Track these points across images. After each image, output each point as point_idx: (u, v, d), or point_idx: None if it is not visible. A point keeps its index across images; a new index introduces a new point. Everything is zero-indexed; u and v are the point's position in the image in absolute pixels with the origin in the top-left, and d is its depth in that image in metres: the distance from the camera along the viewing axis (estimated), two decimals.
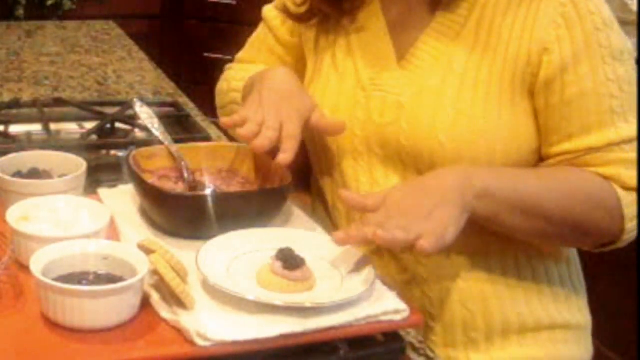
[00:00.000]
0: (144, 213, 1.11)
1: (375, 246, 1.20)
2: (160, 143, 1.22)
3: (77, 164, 1.16)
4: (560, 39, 1.10)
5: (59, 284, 0.86)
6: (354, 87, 1.21)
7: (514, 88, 1.12)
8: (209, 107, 1.62)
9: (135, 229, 1.08)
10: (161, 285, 0.91)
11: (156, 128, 1.26)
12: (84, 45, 2.44)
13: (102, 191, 1.18)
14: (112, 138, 1.51)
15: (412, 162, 1.16)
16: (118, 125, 1.54)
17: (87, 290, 0.87)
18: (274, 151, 1.25)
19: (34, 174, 1.15)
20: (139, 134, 1.52)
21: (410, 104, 1.16)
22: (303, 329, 0.87)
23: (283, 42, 1.37)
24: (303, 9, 1.29)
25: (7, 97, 1.82)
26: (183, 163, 1.18)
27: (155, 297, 0.91)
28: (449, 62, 1.15)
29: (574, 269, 1.25)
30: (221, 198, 1.11)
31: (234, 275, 0.96)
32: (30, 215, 1.02)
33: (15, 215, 1.00)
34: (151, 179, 1.14)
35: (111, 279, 0.91)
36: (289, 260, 0.95)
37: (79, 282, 0.89)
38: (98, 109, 1.62)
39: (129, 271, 0.90)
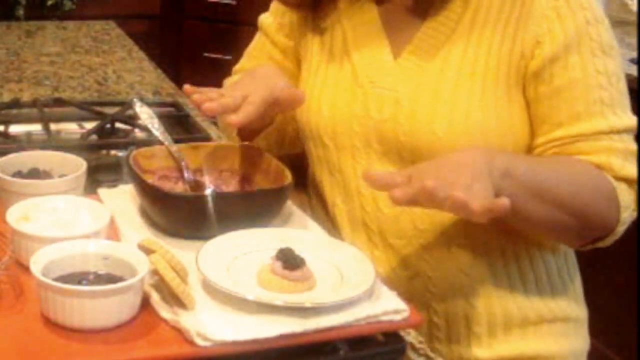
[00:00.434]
0: (144, 213, 1.11)
1: (379, 243, 1.21)
2: (160, 143, 1.22)
3: (77, 164, 1.16)
4: (551, 31, 1.12)
5: (59, 284, 0.86)
6: (351, 85, 1.22)
7: (509, 82, 1.14)
8: None
9: (135, 229, 1.08)
10: (161, 285, 0.91)
11: (156, 128, 1.26)
12: (84, 45, 2.45)
13: (102, 191, 1.18)
14: (112, 138, 1.51)
15: (410, 157, 1.16)
16: (118, 125, 1.54)
17: (87, 290, 0.87)
18: (274, 151, 1.26)
19: (34, 174, 1.15)
20: (139, 134, 1.52)
21: (407, 100, 1.17)
22: (303, 329, 0.87)
23: (281, 47, 1.37)
24: None
25: (7, 97, 1.82)
26: (183, 163, 1.18)
27: (155, 297, 0.91)
28: (444, 57, 1.16)
29: (570, 261, 1.27)
30: (221, 198, 1.11)
31: (234, 275, 0.96)
32: (30, 215, 1.02)
33: (15, 215, 1.00)
34: (151, 179, 1.14)
35: (111, 279, 0.90)
36: (289, 260, 0.94)
37: (79, 282, 0.89)
38: (98, 109, 1.62)
39: (129, 271, 0.90)
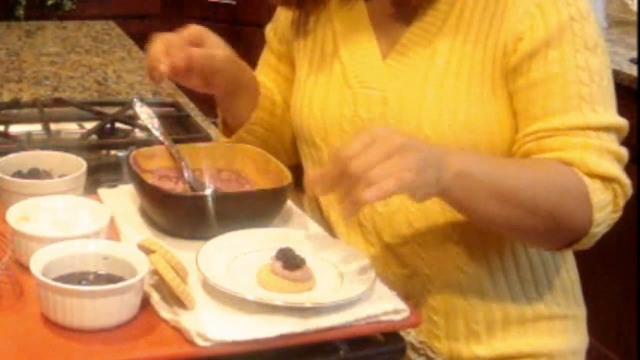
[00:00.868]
0: (144, 213, 1.11)
1: (375, 242, 1.21)
2: (160, 143, 1.22)
3: (77, 164, 1.16)
4: (533, 28, 1.11)
5: (59, 284, 0.86)
6: (341, 85, 1.23)
7: (494, 79, 1.14)
8: (209, 107, 1.62)
9: (135, 229, 1.08)
10: (161, 285, 0.91)
11: (156, 128, 1.26)
12: (84, 45, 2.45)
13: (102, 191, 1.18)
14: (112, 138, 1.51)
15: None
16: (118, 125, 1.54)
17: (87, 290, 0.87)
18: (273, 151, 1.26)
19: (34, 174, 1.15)
20: (139, 134, 1.52)
21: (394, 99, 1.17)
22: (303, 329, 0.87)
23: (276, 52, 1.39)
24: None
25: (7, 97, 1.82)
26: (183, 163, 1.18)
27: (155, 297, 0.91)
28: (431, 57, 1.16)
29: (569, 260, 1.27)
30: (221, 198, 1.11)
31: (234, 275, 0.96)
32: (30, 215, 1.02)
33: (15, 215, 1.00)
34: (151, 179, 1.14)
35: (111, 279, 0.90)
36: (289, 260, 0.95)
37: (79, 282, 0.89)
38: (98, 109, 1.62)
39: (129, 271, 0.90)
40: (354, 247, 1.06)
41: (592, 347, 1.31)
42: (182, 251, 0.99)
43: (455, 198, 1.02)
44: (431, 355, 0.99)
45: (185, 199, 1.09)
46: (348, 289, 0.94)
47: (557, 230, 1.09)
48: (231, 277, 0.95)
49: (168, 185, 1.16)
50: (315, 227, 1.13)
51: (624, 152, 1.12)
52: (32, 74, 2.07)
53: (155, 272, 0.91)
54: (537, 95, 1.11)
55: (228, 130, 1.35)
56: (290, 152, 1.39)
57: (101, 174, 1.34)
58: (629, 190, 1.11)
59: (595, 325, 1.35)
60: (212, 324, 0.86)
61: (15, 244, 0.98)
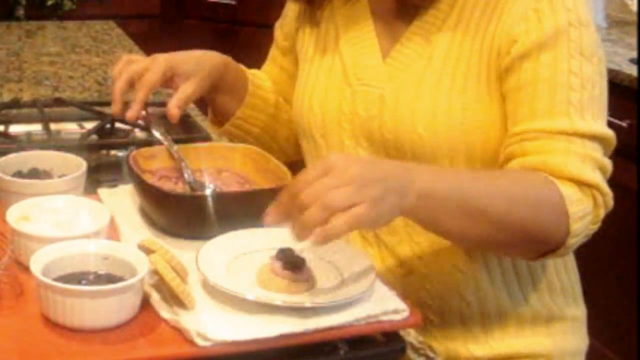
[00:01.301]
0: (144, 213, 1.11)
1: (372, 241, 1.21)
2: (160, 143, 1.22)
3: (77, 164, 1.16)
4: (528, 31, 1.10)
5: (59, 284, 0.86)
6: (340, 82, 1.24)
7: (490, 82, 1.13)
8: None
9: (135, 229, 1.08)
10: (161, 285, 0.91)
11: (156, 128, 1.26)
12: (84, 45, 2.45)
13: (102, 191, 1.18)
14: (112, 138, 1.51)
15: (396, 155, 1.17)
16: (118, 125, 1.54)
17: (87, 290, 0.87)
18: (267, 148, 1.26)
19: (34, 174, 1.15)
20: (139, 134, 1.52)
21: (391, 98, 1.18)
22: (303, 329, 0.87)
23: (281, 49, 1.40)
24: None
25: (7, 97, 1.82)
26: (183, 163, 1.18)
27: (155, 297, 0.91)
28: (429, 57, 1.16)
29: (569, 261, 1.27)
30: (221, 198, 1.11)
31: (234, 275, 0.96)
32: (30, 215, 1.02)
33: (15, 215, 1.00)
34: (151, 179, 1.14)
35: (111, 279, 0.90)
36: (289, 260, 0.95)
37: (79, 282, 0.89)
38: (98, 109, 1.62)
39: (129, 271, 0.90)
40: (354, 247, 1.06)
41: (592, 347, 1.31)
42: (182, 251, 0.99)
43: (421, 219, 1.00)
44: (431, 355, 0.99)
45: (185, 199, 1.09)
46: (348, 289, 0.94)
47: (531, 242, 1.07)
48: (231, 277, 0.95)
49: (168, 185, 1.16)
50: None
51: (607, 163, 1.10)
52: (32, 74, 2.07)
53: (155, 272, 0.91)
54: (525, 96, 1.10)
55: (217, 122, 1.38)
56: (287, 149, 1.40)
57: (101, 174, 1.34)
58: (610, 202, 1.09)
59: (595, 325, 1.35)
60: (212, 324, 0.86)
61: (15, 244, 0.98)
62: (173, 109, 1.19)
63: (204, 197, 1.08)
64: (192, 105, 1.81)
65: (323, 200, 0.86)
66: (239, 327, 0.86)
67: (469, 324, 1.20)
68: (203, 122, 1.65)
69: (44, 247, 0.92)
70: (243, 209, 1.07)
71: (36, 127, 1.52)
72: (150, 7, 3.90)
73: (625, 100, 2.43)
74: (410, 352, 0.98)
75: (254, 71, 1.40)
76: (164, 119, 1.33)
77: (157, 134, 1.24)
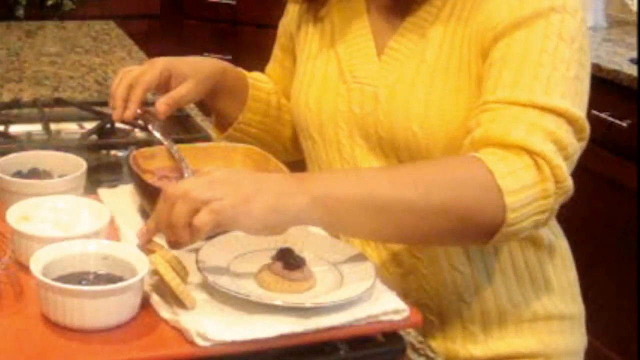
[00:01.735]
0: (144, 213, 1.11)
1: (370, 241, 1.21)
2: (160, 143, 1.22)
3: (77, 164, 1.16)
4: (509, 13, 1.07)
5: (59, 284, 0.86)
6: (336, 79, 1.24)
7: (480, 75, 1.11)
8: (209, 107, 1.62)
9: (135, 229, 1.07)
10: (161, 285, 0.91)
11: (156, 128, 1.26)
12: (84, 45, 2.45)
13: (102, 191, 1.18)
14: (112, 138, 1.51)
15: (392, 152, 1.17)
16: (118, 125, 1.54)
17: (87, 290, 0.87)
18: (271, 149, 1.26)
19: (34, 174, 1.15)
20: (139, 134, 1.52)
21: (385, 96, 1.17)
22: (303, 329, 0.87)
23: (282, 47, 1.41)
24: None
25: (7, 97, 1.82)
26: (183, 163, 1.18)
27: (155, 297, 0.91)
28: (422, 53, 1.16)
29: (568, 260, 1.26)
30: None
31: (234, 275, 0.96)
32: (30, 215, 1.02)
33: (15, 215, 1.00)
34: (151, 179, 1.14)
35: (111, 279, 0.90)
36: (289, 260, 0.95)
37: (79, 282, 0.89)
38: (98, 109, 1.62)
39: (129, 271, 0.90)
40: (354, 247, 1.06)
41: (592, 347, 1.31)
42: (182, 251, 0.99)
43: (327, 223, 0.96)
44: (431, 355, 0.99)
45: None
46: (348, 289, 0.94)
47: (464, 224, 1.00)
48: (231, 277, 0.95)
49: None
50: (315, 227, 1.13)
51: (568, 141, 1.02)
52: (32, 74, 2.07)
53: (155, 272, 0.91)
54: (493, 71, 1.07)
55: (220, 127, 1.37)
56: (290, 149, 1.40)
57: (101, 174, 1.34)
58: (562, 175, 1.01)
59: (595, 325, 1.35)
60: (212, 324, 0.86)
61: (15, 244, 0.98)
62: (161, 105, 1.20)
63: None
64: (192, 105, 1.81)
65: (186, 195, 0.88)
66: (239, 327, 0.86)
67: (468, 324, 1.20)
68: (203, 122, 1.65)
69: (44, 247, 0.92)
70: None
71: (36, 127, 1.52)
72: (150, 7, 3.90)
73: (625, 100, 2.43)
74: (410, 352, 0.98)
75: (254, 74, 1.40)
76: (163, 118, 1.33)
77: (157, 134, 1.24)
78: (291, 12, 1.37)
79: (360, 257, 1.01)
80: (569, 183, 1.02)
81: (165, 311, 0.89)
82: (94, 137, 1.48)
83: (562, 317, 1.23)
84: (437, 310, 1.20)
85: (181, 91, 1.22)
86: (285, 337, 0.86)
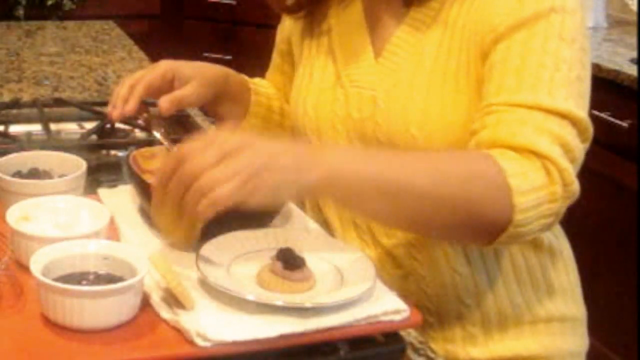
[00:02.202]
0: (144, 213, 1.11)
1: (370, 242, 1.21)
2: (160, 143, 1.22)
3: (77, 164, 1.16)
4: (508, 15, 1.07)
5: (59, 284, 0.86)
6: (333, 84, 1.23)
7: (479, 77, 1.10)
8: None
9: (135, 229, 1.08)
10: (161, 285, 0.91)
11: (156, 128, 1.26)
12: (84, 45, 2.45)
13: (102, 191, 1.18)
14: (112, 138, 1.51)
15: None
16: (118, 125, 1.54)
17: (87, 290, 0.87)
18: None
19: (34, 174, 1.15)
20: (139, 134, 1.52)
21: (383, 99, 1.17)
22: (303, 329, 0.87)
23: (280, 53, 1.41)
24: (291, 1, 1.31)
25: (7, 97, 1.82)
26: None
27: (155, 297, 0.91)
28: (420, 56, 1.15)
29: (569, 261, 1.26)
30: None
31: (234, 275, 0.96)
32: (30, 215, 1.02)
33: (15, 215, 1.00)
34: (151, 179, 1.14)
35: (111, 279, 0.90)
36: (289, 260, 0.94)
37: (79, 282, 0.89)
38: (98, 109, 1.62)
39: (129, 271, 0.90)
40: (354, 247, 1.06)
41: (592, 347, 1.31)
42: (182, 251, 0.99)
43: (336, 198, 0.98)
44: (431, 355, 0.99)
45: None
46: (348, 289, 0.94)
47: (470, 220, 0.99)
48: (231, 277, 0.95)
49: None
50: (315, 227, 1.13)
51: (574, 144, 1.02)
52: (32, 74, 2.07)
53: (155, 272, 0.90)
54: (495, 73, 1.06)
55: None
56: None
57: (101, 174, 1.34)
58: (569, 178, 1.00)
59: (595, 325, 1.35)
60: (212, 324, 0.86)
61: (15, 244, 0.98)
62: (165, 102, 1.19)
63: None
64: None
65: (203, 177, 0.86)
66: (239, 327, 0.86)
67: (467, 326, 1.19)
68: (203, 122, 1.65)
69: (44, 247, 0.92)
70: (243, 209, 1.07)
71: (36, 127, 1.52)
72: (150, 7, 3.90)
73: (625, 100, 2.43)
74: (410, 352, 0.98)
75: (256, 80, 1.40)
76: (164, 119, 1.33)
77: (157, 134, 1.24)
78: (289, 19, 1.37)
79: (360, 257, 1.01)
80: (576, 186, 1.02)
81: (165, 311, 0.89)
82: (94, 137, 1.48)
83: (563, 318, 1.23)
84: (437, 312, 1.20)
85: (184, 92, 1.21)
86: (285, 337, 0.86)
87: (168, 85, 1.21)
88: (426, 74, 1.14)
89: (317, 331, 0.88)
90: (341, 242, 1.10)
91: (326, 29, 1.28)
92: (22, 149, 1.28)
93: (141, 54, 2.35)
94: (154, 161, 1.18)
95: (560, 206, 1.01)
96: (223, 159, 0.87)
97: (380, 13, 1.22)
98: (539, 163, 1.00)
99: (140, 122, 1.28)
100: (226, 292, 0.90)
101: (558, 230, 1.25)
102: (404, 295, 0.96)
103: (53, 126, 1.52)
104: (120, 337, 0.86)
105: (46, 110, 1.59)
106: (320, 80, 1.25)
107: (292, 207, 1.16)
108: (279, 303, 0.89)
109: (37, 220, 1.01)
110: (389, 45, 1.19)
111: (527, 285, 1.20)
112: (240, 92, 1.33)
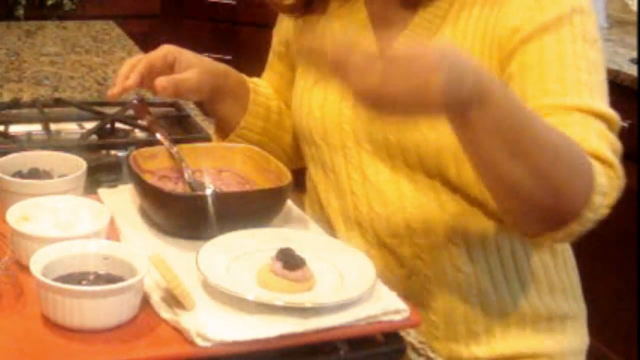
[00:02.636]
0: (144, 213, 1.11)
1: (373, 242, 1.21)
2: (160, 143, 1.22)
3: (77, 164, 1.16)
4: (531, 18, 1.08)
5: (59, 284, 0.86)
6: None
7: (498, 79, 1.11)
8: None
9: (135, 229, 1.08)
10: (161, 285, 0.91)
11: (156, 128, 1.26)
12: (84, 45, 2.45)
13: (102, 191, 1.18)
14: (112, 138, 1.51)
15: (399, 155, 1.17)
16: (118, 125, 1.54)
17: (87, 291, 0.87)
18: (273, 155, 1.26)
19: (34, 174, 1.15)
20: (139, 134, 1.52)
21: None
22: (303, 329, 0.87)
23: (277, 54, 1.40)
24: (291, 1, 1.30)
25: (7, 97, 1.82)
26: (183, 163, 1.18)
27: (155, 297, 0.91)
28: None
29: (569, 261, 1.26)
30: (221, 198, 1.10)
31: (234, 275, 0.96)
32: (30, 215, 1.02)
33: (15, 215, 1.00)
34: (151, 179, 1.14)
35: (111, 279, 0.90)
36: (289, 260, 0.94)
37: (79, 282, 0.89)
38: (98, 109, 1.62)
39: (129, 271, 0.90)
40: (354, 247, 1.06)
41: (592, 347, 1.31)
42: (182, 251, 0.99)
43: (476, 126, 0.93)
44: (431, 355, 0.99)
45: (185, 199, 1.09)
46: (348, 289, 0.94)
47: (554, 204, 0.99)
48: (231, 277, 0.95)
49: (168, 186, 1.16)
50: (315, 227, 1.13)
51: (619, 145, 1.07)
52: (32, 74, 2.07)
53: (155, 272, 0.90)
54: (533, 76, 1.07)
55: (222, 133, 1.36)
56: (292, 156, 1.39)
57: (101, 174, 1.34)
58: (621, 184, 1.04)
59: (595, 325, 1.35)
60: (212, 324, 0.86)
61: (15, 244, 0.98)
62: (162, 81, 1.17)
63: (204, 197, 1.08)
64: (192, 105, 1.81)
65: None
66: (239, 327, 0.86)
67: (471, 325, 1.20)
68: (203, 122, 1.65)
69: (44, 247, 0.92)
70: (243, 209, 1.07)
71: (36, 127, 1.52)
72: (150, 7, 3.90)
73: (625, 100, 2.43)
74: (410, 353, 0.98)
75: (255, 79, 1.40)
76: (164, 119, 1.33)
77: (157, 134, 1.24)
78: (286, 20, 1.36)
79: (360, 257, 1.01)
80: (621, 190, 1.04)
81: (165, 311, 0.89)
82: (94, 137, 1.48)
83: (564, 317, 1.23)
84: (441, 311, 1.20)
85: (184, 76, 1.20)
86: (285, 337, 0.86)
87: (168, 68, 1.21)
88: None
89: (317, 331, 0.88)
90: (341, 242, 1.10)
91: (329, 29, 1.27)
92: (22, 149, 1.28)
93: (141, 54, 2.34)
94: (154, 161, 1.18)
95: (605, 214, 1.03)
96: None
97: (385, 13, 1.21)
98: (602, 169, 1.02)
99: (140, 122, 1.28)
100: (226, 292, 0.90)
101: None
102: (408, 295, 0.96)
103: (53, 126, 1.52)
104: (120, 337, 0.86)
105: (46, 110, 1.59)
106: (326, 81, 1.24)
107: (292, 207, 1.16)
108: (279, 303, 0.89)
109: (37, 220, 1.01)
110: (396, 44, 1.18)
111: (529, 284, 1.20)
112: (240, 90, 1.33)
